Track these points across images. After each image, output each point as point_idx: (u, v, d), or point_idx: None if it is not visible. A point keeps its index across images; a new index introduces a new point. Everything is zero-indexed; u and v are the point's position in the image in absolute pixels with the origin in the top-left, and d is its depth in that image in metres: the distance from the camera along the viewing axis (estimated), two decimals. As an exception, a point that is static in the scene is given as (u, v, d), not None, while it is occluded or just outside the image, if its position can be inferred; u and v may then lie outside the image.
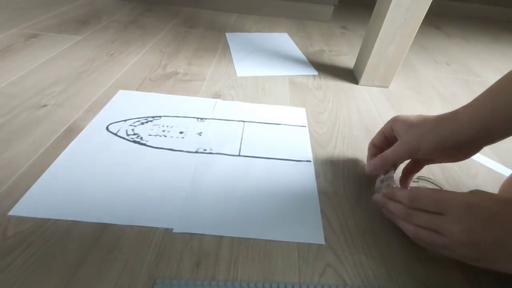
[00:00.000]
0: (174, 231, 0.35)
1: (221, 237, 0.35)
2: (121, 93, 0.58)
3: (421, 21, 0.61)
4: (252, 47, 0.84)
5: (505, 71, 0.34)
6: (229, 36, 0.91)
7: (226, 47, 0.83)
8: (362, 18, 1.23)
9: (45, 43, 0.74)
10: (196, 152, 0.46)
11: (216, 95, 0.60)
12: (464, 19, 1.38)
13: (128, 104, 0.55)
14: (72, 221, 0.34)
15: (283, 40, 0.92)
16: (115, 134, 0.47)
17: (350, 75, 0.75)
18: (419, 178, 0.45)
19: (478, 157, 0.52)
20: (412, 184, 0.43)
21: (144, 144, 0.46)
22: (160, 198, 0.38)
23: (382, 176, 0.40)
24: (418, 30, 0.62)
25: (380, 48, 0.65)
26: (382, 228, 0.38)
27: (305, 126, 0.54)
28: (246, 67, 0.73)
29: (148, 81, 0.63)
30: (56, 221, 0.34)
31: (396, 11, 0.59)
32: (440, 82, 0.78)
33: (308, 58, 0.82)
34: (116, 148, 0.45)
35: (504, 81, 0.33)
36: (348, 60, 0.83)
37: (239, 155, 0.46)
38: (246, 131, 0.51)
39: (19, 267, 0.30)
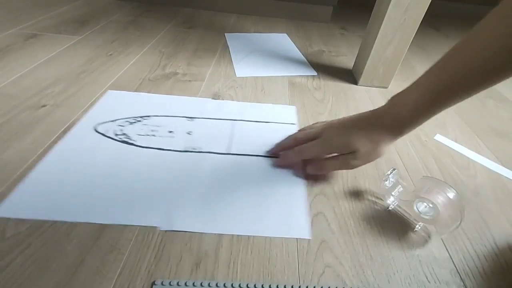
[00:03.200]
0: (160, 229, 0.35)
1: (220, 237, 0.35)
2: (110, 93, 0.57)
3: (420, 22, 0.61)
4: (251, 48, 0.84)
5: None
6: (228, 36, 0.91)
7: (225, 48, 0.83)
8: (361, 19, 1.23)
9: (44, 43, 0.74)
10: (186, 151, 0.46)
11: (216, 96, 0.60)
12: (463, 20, 1.38)
13: (116, 104, 0.55)
14: (70, 222, 0.34)
15: (283, 41, 0.92)
16: (104, 135, 0.47)
17: (350, 76, 0.75)
18: (424, 177, 0.45)
19: (477, 158, 0.52)
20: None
21: (133, 144, 0.46)
22: (148, 197, 0.38)
23: (388, 178, 0.40)
24: (417, 31, 0.62)
25: (379, 49, 0.65)
26: (382, 228, 0.38)
27: (295, 124, 0.55)
28: (245, 67, 0.73)
29: (147, 81, 0.63)
30: (55, 222, 0.34)
31: (395, 12, 0.60)
32: (439, 82, 0.78)
33: (307, 59, 0.82)
34: (105, 149, 0.45)
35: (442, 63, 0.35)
36: (347, 61, 0.83)
37: (229, 153, 0.46)
38: (236, 129, 0.52)
39: (18, 267, 0.30)
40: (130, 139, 0.47)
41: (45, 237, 0.33)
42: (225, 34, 0.93)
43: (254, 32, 0.98)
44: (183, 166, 0.43)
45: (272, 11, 1.13)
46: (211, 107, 0.56)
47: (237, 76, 0.69)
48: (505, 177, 0.48)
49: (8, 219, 0.34)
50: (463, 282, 0.33)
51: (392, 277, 0.32)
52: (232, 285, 0.30)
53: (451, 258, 0.35)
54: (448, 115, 0.64)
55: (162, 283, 0.29)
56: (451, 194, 0.36)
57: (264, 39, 0.92)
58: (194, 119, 0.53)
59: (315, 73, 0.74)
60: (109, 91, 0.58)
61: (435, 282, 0.32)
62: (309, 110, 0.60)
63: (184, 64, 0.72)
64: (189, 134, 0.49)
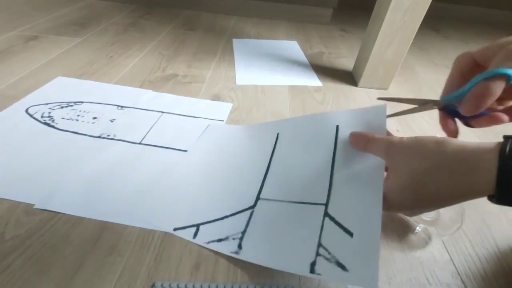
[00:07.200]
0: (35, 207, 0.35)
1: (221, 239, 0.34)
2: (59, 79, 0.60)
3: (420, 23, 0.61)
4: (257, 55, 0.82)
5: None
6: (235, 42, 0.89)
7: (225, 50, 0.83)
8: (361, 21, 1.23)
9: (45, 45, 0.74)
10: (99, 137, 0.47)
11: (216, 97, 0.60)
12: (462, 22, 1.39)
13: (60, 89, 0.57)
14: (71, 224, 0.34)
15: (292, 49, 0.89)
16: (31, 116, 0.49)
17: (350, 77, 0.75)
18: None
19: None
20: None
21: (53, 127, 0.47)
22: (34, 175, 0.39)
23: None
24: (417, 33, 0.62)
25: (379, 51, 0.65)
26: (382, 230, 0.37)
27: (223, 121, 0.54)
28: (247, 75, 0.71)
29: (147, 83, 0.63)
30: (55, 223, 0.34)
31: (395, 14, 0.60)
32: (439, 84, 0.78)
33: (308, 61, 0.81)
34: (25, 128, 0.47)
35: None
36: (347, 63, 0.83)
37: (140, 143, 0.46)
38: (160, 121, 0.51)
39: (17, 270, 0.30)
40: (53, 122, 0.48)
41: (44, 239, 0.32)
42: (233, 39, 0.91)
43: (254, 34, 0.98)
44: (89, 150, 0.44)
45: (272, 13, 1.13)
46: (147, 98, 0.57)
47: (237, 83, 0.67)
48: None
49: (8, 220, 0.34)
50: (464, 285, 0.33)
51: (393, 279, 0.32)
52: (232, 287, 0.30)
53: (452, 260, 0.35)
54: (449, 117, 0.63)
55: (162, 285, 0.29)
56: (451, 196, 0.36)
57: (273, 46, 0.89)
58: (125, 108, 0.54)
59: (320, 84, 0.71)
60: (59, 77, 0.60)
61: (436, 285, 0.32)
62: (309, 111, 0.59)
63: (184, 66, 0.72)
64: (111, 121, 0.50)
